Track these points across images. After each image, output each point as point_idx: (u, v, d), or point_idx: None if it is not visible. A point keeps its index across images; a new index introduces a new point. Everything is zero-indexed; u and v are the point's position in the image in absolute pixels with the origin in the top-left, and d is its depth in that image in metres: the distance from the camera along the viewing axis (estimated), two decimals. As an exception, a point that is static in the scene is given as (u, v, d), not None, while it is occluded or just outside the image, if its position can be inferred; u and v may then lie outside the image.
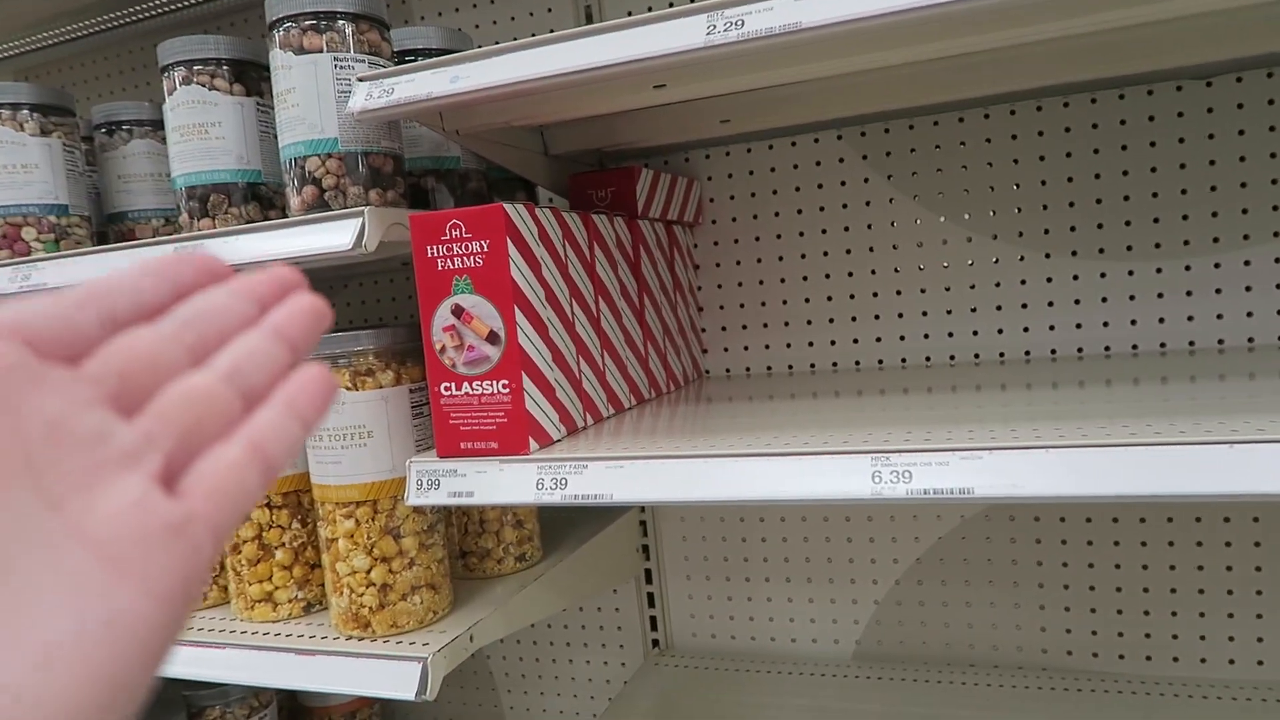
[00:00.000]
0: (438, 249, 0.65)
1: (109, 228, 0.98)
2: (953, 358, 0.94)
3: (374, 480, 0.74)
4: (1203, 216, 0.85)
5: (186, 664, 0.80)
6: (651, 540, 1.08)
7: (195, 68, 0.79)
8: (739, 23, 0.50)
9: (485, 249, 0.63)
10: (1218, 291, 0.85)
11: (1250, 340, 0.85)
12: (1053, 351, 0.91)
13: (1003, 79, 0.78)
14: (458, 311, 0.65)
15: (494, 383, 0.65)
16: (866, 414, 0.69)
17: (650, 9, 0.99)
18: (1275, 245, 0.83)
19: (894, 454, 0.55)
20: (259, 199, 0.81)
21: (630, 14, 1.00)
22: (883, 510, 0.98)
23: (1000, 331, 0.92)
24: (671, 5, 0.95)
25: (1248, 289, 0.84)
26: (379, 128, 0.73)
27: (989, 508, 0.94)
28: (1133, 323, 0.88)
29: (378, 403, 0.74)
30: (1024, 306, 0.91)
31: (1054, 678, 0.92)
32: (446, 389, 0.66)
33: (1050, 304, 0.90)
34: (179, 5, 1.21)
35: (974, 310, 0.93)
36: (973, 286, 0.93)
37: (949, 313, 0.94)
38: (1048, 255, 0.90)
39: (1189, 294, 0.86)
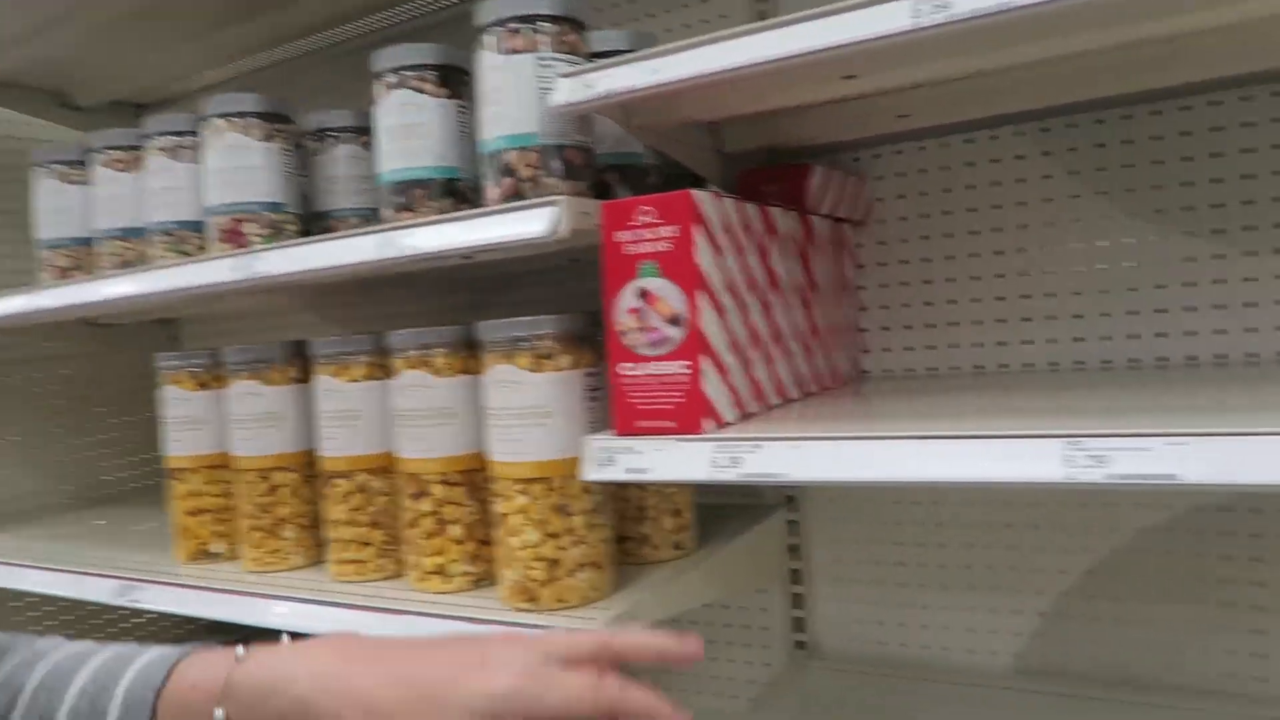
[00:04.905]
0: (626, 234, 0.68)
1: (313, 225, 1.07)
2: (1135, 361, 0.90)
3: (549, 458, 0.78)
4: None
5: (367, 629, 0.85)
6: (801, 540, 1.08)
7: (406, 73, 0.86)
8: (945, 4, 0.51)
9: (673, 234, 0.66)
10: None
11: None
12: (1252, 355, 0.85)
13: (1209, 65, 0.74)
14: (643, 294, 0.68)
15: (674, 363, 0.67)
16: (1046, 405, 0.67)
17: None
18: None
19: (1088, 438, 0.53)
20: (454, 194, 0.87)
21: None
22: (1050, 517, 0.94)
23: (1192, 334, 0.87)
24: None
25: None
26: (574, 122, 0.77)
27: (1169, 520, 0.89)
28: (1348, 328, 0.81)
29: (557, 384, 0.78)
30: (1220, 307, 0.86)
31: (1231, 703, 0.86)
32: (627, 369, 0.69)
33: (1252, 304, 0.85)
34: (383, 25, 1.31)
35: (1161, 311, 0.88)
36: (1161, 286, 0.88)
37: (1134, 313, 0.89)
38: (1254, 253, 0.85)
39: None
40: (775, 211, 0.79)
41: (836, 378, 0.94)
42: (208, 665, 0.51)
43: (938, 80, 0.79)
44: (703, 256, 0.66)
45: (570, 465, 0.78)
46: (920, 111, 0.85)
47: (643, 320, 0.68)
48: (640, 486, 0.92)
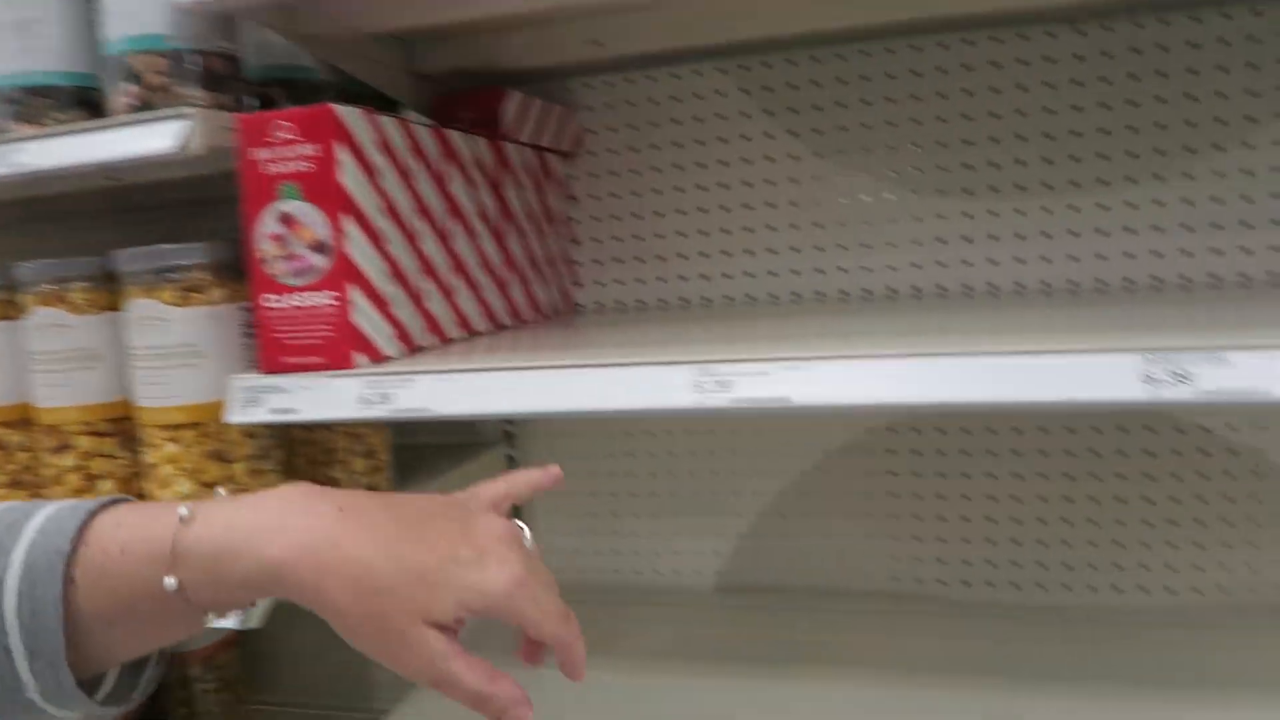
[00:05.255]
0: (264, 152, 0.61)
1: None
2: (821, 294, 0.94)
3: (199, 402, 0.70)
4: (1092, 159, 0.86)
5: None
6: (524, 478, 1.07)
7: (17, -43, 0.73)
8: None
9: (314, 153, 0.60)
10: (1123, 231, 0.87)
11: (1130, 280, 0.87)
12: (916, 288, 0.91)
13: (881, 9, 0.77)
14: (283, 218, 0.62)
15: (320, 294, 0.62)
16: (713, 337, 0.68)
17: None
18: (1152, 188, 0.85)
19: (717, 365, 0.54)
20: (87, 104, 0.75)
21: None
22: (747, 444, 0.98)
23: (868, 269, 0.92)
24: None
25: (1129, 230, 0.85)
26: (213, 25, 0.69)
27: (846, 441, 0.95)
28: (992, 262, 0.89)
29: (206, 320, 0.70)
30: (891, 245, 0.91)
31: (903, 603, 0.94)
32: (271, 301, 0.63)
33: (917, 242, 0.91)
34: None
35: (843, 247, 0.93)
36: (843, 224, 0.93)
37: (820, 250, 0.94)
38: (917, 194, 0.90)
39: (1074, 234, 0.87)
40: (455, 136, 0.75)
41: (540, 311, 0.92)
42: (139, 527, 0.43)
43: (618, 6, 0.77)
44: (349, 178, 0.61)
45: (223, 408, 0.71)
46: (611, 40, 0.83)
47: (286, 247, 0.62)
48: (328, 427, 0.86)
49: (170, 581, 0.42)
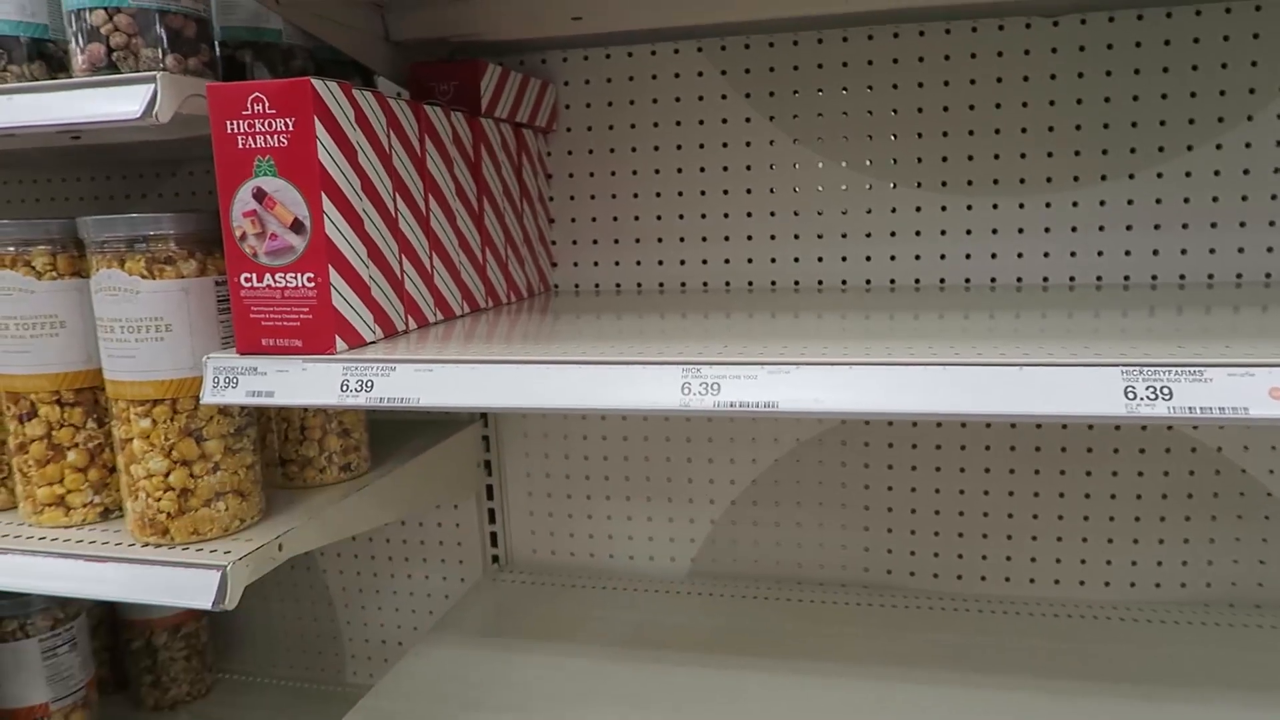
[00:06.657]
0: (238, 125, 0.59)
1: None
2: (797, 283, 0.95)
3: (172, 378, 0.68)
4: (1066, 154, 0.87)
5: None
6: (494, 456, 1.06)
7: (-33, -101, 0.69)
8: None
9: (290, 127, 0.58)
10: (1089, 230, 0.88)
11: (1099, 279, 0.88)
12: (892, 281, 0.92)
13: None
14: (259, 195, 0.60)
15: (298, 276, 0.60)
16: (694, 330, 0.68)
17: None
18: (1113, 187, 0.86)
19: (705, 366, 0.54)
20: (46, 58, 0.72)
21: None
22: (721, 431, 0.99)
23: (844, 259, 0.93)
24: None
25: (1100, 229, 0.87)
26: (181, -14, 0.66)
27: (822, 433, 0.96)
28: (966, 256, 0.90)
29: (177, 293, 0.68)
30: (868, 235, 0.92)
31: (873, 594, 0.96)
32: (247, 280, 0.61)
33: (893, 234, 0.91)
34: None
35: (820, 236, 0.93)
36: (820, 213, 0.93)
37: (796, 237, 0.94)
38: (894, 185, 0.91)
39: (1047, 230, 0.88)
40: (433, 111, 0.73)
41: (518, 293, 0.91)
42: None
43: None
44: (327, 155, 0.59)
45: (197, 385, 0.69)
46: (591, 14, 0.82)
47: (262, 226, 0.60)
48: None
49: None
